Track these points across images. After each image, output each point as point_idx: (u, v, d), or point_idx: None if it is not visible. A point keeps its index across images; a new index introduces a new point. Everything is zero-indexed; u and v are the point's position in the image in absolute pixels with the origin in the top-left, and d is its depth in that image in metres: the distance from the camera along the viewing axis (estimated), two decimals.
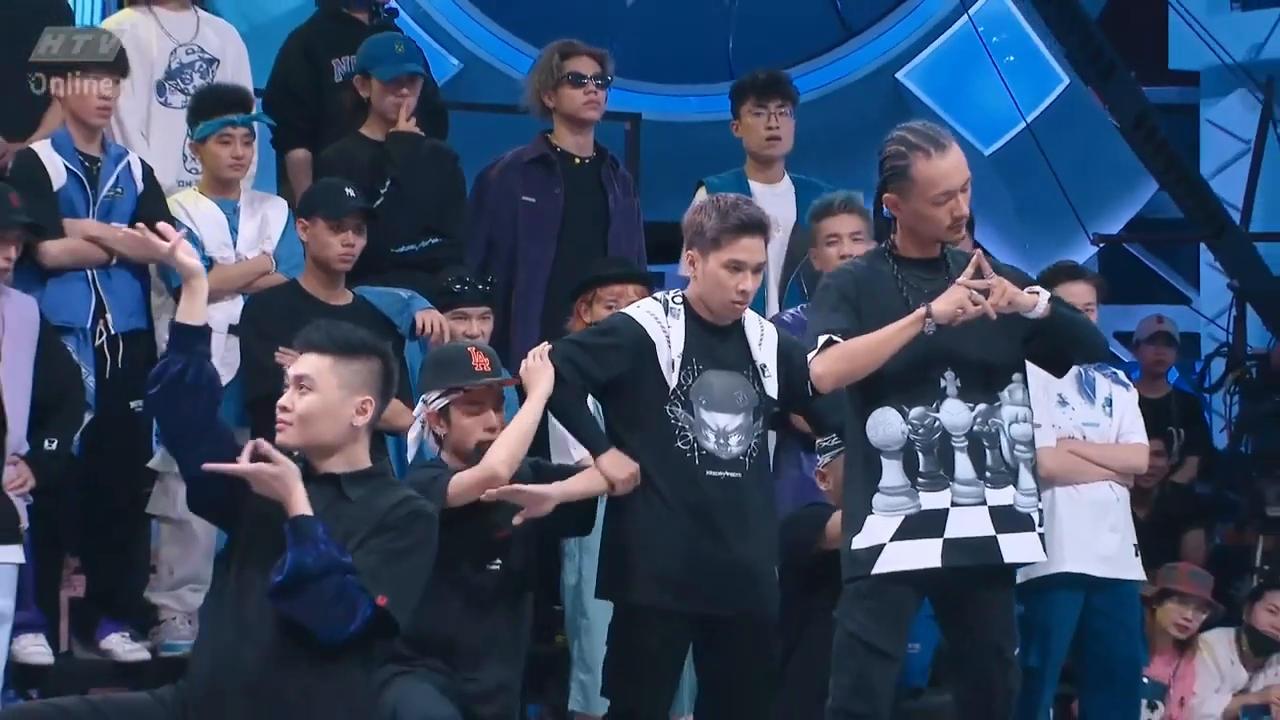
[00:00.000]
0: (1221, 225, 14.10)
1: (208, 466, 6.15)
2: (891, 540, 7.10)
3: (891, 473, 7.12)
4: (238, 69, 9.99)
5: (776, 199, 9.91)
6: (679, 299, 7.80)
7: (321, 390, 6.15)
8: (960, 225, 7.25)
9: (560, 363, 7.66)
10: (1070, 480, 9.79)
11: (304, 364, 6.24)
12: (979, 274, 7.06)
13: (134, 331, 9.16)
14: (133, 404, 9.07)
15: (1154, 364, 12.88)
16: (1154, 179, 14.58)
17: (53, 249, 8.88)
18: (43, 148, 9.09)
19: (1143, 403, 10.37)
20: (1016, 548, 7.22)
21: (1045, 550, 7.43)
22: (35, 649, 8.86)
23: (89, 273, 9.05)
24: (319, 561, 5.98)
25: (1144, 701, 10.56)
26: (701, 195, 9.90)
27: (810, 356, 7.14)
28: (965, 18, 15.24)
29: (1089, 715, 10.13)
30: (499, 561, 7.66)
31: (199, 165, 9.61)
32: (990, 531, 7.18)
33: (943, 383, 7.14)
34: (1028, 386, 7.36)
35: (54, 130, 9.23)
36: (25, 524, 8.58)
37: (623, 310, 7.99)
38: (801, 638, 8.18)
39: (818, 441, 8.25)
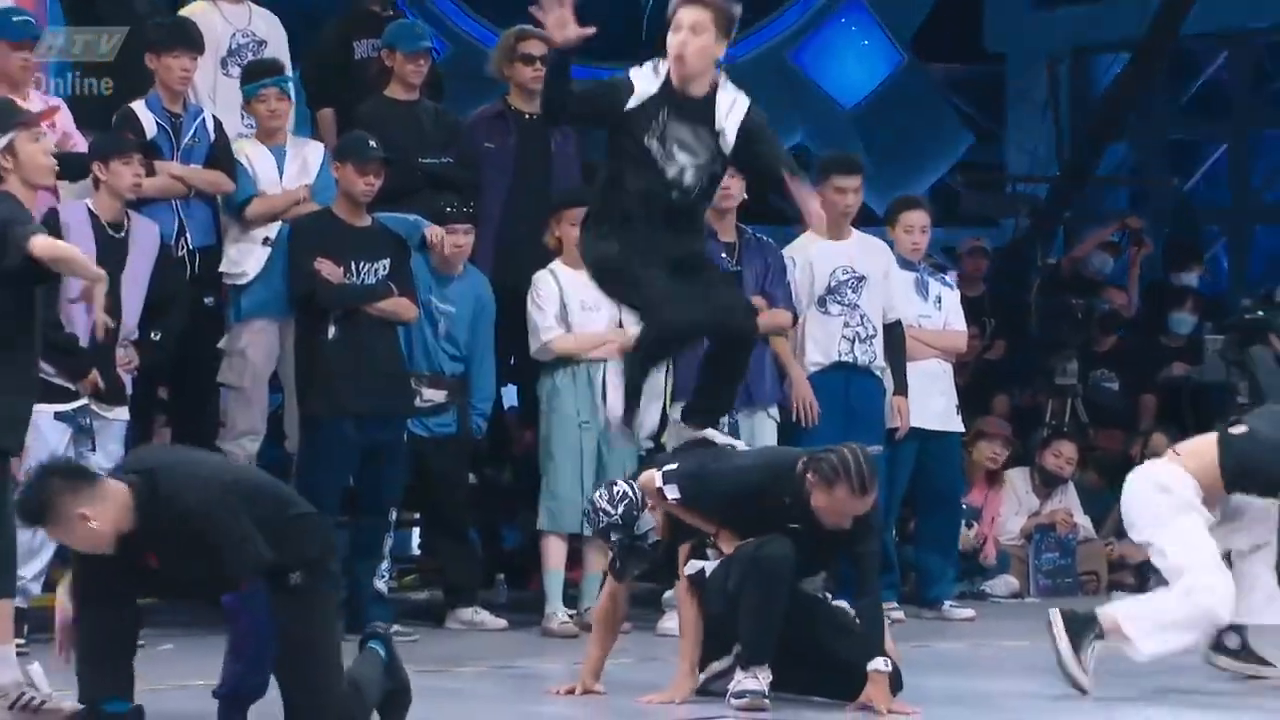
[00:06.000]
0: (1093, 171, 14.22)
1: None
2: None
3: None
4: (279, 48, 9.84)
5: None
6: (666, 66, 7.19)
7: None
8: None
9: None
10: (909, 358, 9.83)
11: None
12: None
13: (207, 246, 9.09)
14: (206, 300, 9.06)
15: (973, 271, 12.76)
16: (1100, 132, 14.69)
17: (146, 184, 8.72)
18: (138, 106, 8.99)
19: (964, 300, 10.51)
20: None
21: None
22: None
23: (173, 202, 8.97)
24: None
25: (962, 521, 10.65)
26: None
27: None
28: (834, 12, 15.45)
29: (922, 531, 10.26)
30: None
31: (253, 122, 9.50)
32: None
33: None
34: None
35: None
36: (129, 391, 8.56)
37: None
38: None
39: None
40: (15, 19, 8.70)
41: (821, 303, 9.58)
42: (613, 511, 7.11)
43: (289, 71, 9.63)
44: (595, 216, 7.22)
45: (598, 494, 7.26)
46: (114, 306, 8.34)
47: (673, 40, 7.03)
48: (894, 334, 9.70)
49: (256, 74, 9.33)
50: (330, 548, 6.07)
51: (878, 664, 6.78)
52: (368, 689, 6.14)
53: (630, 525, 7.09)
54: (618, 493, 7.16)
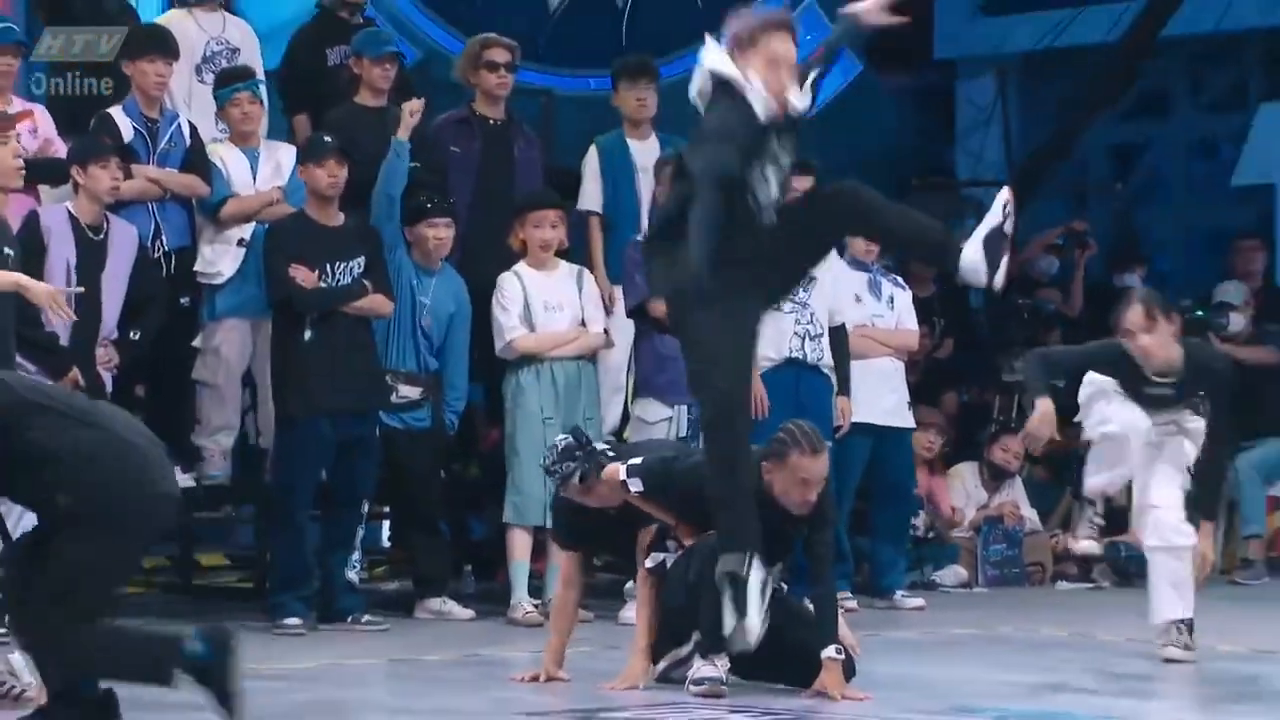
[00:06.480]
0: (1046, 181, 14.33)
1: None
2: None
3: None
4: (251, 55, 9.91)
5: (648, 153, 9.83)
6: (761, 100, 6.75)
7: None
8: None
9: None
10: (863, 356, 10.00)
11: None
12: None
13: (182, 248, 9.15)
14: (182, 300, 9.11)
15: (923, 272, 12.95)
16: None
17: (124, 187, 8.78)
18: (116, 111, 9.05)
19: (915, 300, 10.61)
20: None
21: None
22: None
23: (149, 205, 9.03)
24: None
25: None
26: (592, 151, 9.95)
27: None
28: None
29: (875, 523, 10.36)
30: None
31: (226, 126, 9.55)
32: None
33: None
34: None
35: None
36: (109, 389, 8.58)
37: None
38: None
39: None
40: None
41: None
42: (565, 436, 7.24)
43: (260, 77, 9.72)
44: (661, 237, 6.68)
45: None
46: (94, 306, 8.47)
47: (766, 76, 6.63)
48: (839, 337, 9.81)
49: (229, 80, 9.41)
50: (140, 493, 5.38)
51: (830, 651, 6.88)
52: (122, 643, 5.50)
53: (586, 442, 7.15)
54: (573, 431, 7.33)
